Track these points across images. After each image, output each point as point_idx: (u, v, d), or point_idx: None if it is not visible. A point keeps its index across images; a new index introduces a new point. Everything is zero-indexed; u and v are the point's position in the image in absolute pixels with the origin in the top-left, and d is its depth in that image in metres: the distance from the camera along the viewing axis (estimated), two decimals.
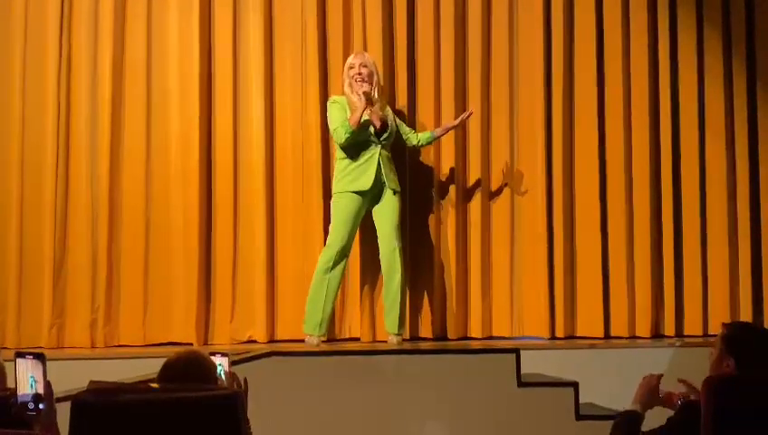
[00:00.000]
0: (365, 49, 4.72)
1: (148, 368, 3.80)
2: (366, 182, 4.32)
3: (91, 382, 1.88)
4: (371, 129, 4.35)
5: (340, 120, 4.32)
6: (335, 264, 4.34)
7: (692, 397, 2.48)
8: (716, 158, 4.82)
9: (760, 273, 4.76)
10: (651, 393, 2.51)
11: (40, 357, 1.72)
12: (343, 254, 4.36)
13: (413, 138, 4.57)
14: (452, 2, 4.81)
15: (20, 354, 1.75)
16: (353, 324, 4.72)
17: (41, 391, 1.68)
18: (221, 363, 2.29)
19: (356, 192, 4.35)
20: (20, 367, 1.70)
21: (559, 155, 4.77)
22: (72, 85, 4.63)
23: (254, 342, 4.63)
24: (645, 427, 2.50)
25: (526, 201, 4.80)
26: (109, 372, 3.68)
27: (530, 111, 4.81)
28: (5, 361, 1.93)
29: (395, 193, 4.40)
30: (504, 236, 4.77)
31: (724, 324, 2.39)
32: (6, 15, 4.64)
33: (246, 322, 4.68)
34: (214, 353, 2.31)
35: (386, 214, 4.39)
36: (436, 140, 4.63)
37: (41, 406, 1.66)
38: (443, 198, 4.80)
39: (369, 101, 4.23)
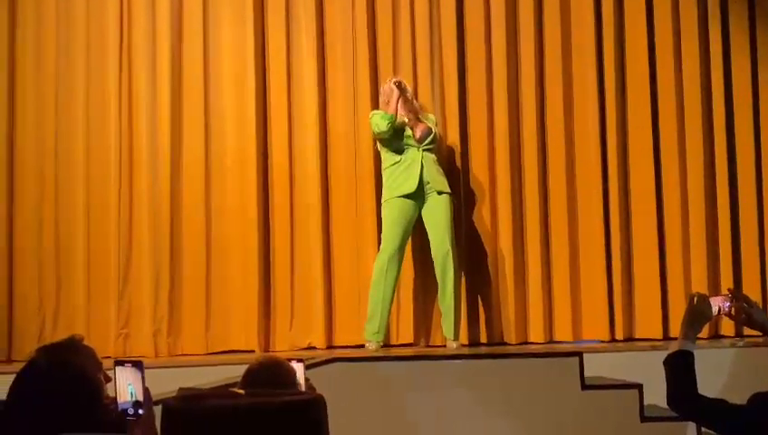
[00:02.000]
0: (413, 64, 4.78)
1: (211, 376, 3.89)
2: (411, 185, 4.41)
3: (181, 389, 1.94)
4: (408, 135, 4.44)
5: (379, 114, 4.50)
6: (389, 268, 4.40)
7: (741, 314, 2.45)
8: None
9: None
10: (697, 319, 2.44)
11: (138, 365, 1.78)
12: (397, 258, 4.42)
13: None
14: (503, 11, 4.82)
15: (119, 362, 1.81)
16: (408, 330, 4.76)
17: (140, 397, 1.74)
18: (297, 369, 2.33)
19: (402, 196, 4.43)
20: (119, 375, 1.77)
21: (614, 157, 4.76)
22: (132, 103, 4.76)
23: (314, 348, 4.69)
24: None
25: (583, 204, 4.79)
26: (172, 381, 3.75)
27: (584, 114, 4.81)
28: (107, 369, 2.00)
29: (441, 194, 4.44)
30: (561, 240, 4.77)
31: None
32: (70, 39, 4.78)
33: (305, 329, 4.75)
34: (290, 359, 2.36)
35: (435, 216, 4.44)
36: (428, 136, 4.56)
37: (140, 411, 1.73)
38: (499, 201, 4.81)
39: (400, 88, 4.36)
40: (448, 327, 4.44)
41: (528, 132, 4.80)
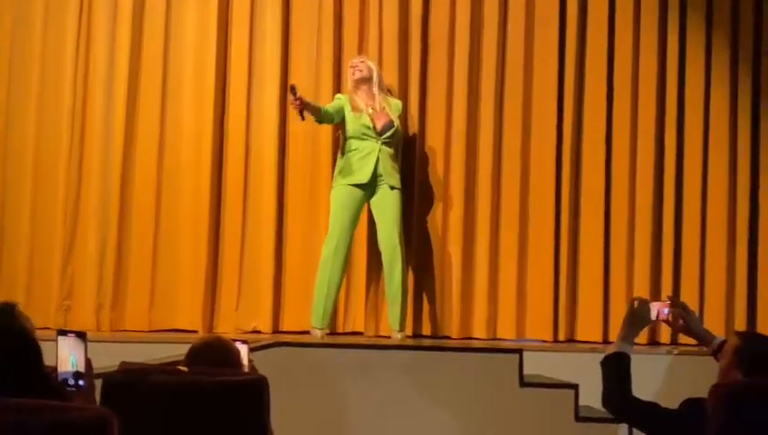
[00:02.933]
0: (380, 49, 4.79)
1: (153, 353, 3.87)
2: (365, 176, 4.42)
3: (122, 363, 1.93)
4: (368, 126, 4.44)
5: (329, 105, 4.50)
6: (335, 255, 4.41)
7: (678, 320, 2.54)
8: (719, 164, 4.87)
9: (755, 279, 4.83)
10: (637, 323, 2.53)
11: (81, 335, 1.77)
12: (343, 245, 4.43)
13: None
14: (468, 4, 4.86)
15: (62, 332, 1.80)
16: (357, 318, 4.78)
17: (81, 368, 1.73)
18: (241, 350, 2.34)
19: (353, 185, 4.43)
20: (61, 345, 1.75)
21: (567, 159, 4.83)
22: (88, 72, 4.69)
23: (259, 332, 4.68)
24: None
25: (535, 204, 4.85)
26: (113, 355, 3.72)
27: (541, 117, 4.86)
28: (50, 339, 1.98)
29: (393, 189, 4.47)
30: (511, 240, 4.82)
31: (735, 334, 2.42)
32: (26, 6, 4.68)
33: (252, 312, 4.73)
34: (235, 340, 2.37)
35: (384, 209, 4.47)
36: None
37: (81, 383, 1.72)
38: (451, 197, 4.85)
39: (293, 94, 4.29)
40: (394, 318, 4.47)
41: (485, 131, 4.84)
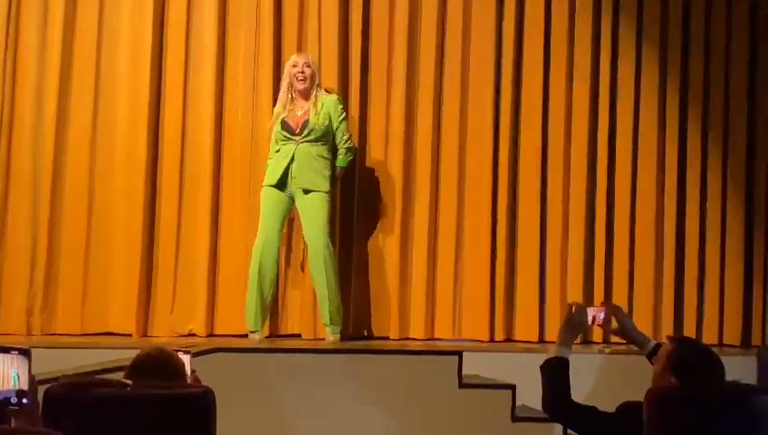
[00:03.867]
0: (319, 47, 4.76)
1: (87, 359, 3.77)
2: (274, 178, 4.40)
3: (63, 376, 1.88)
4: (281, 127, 4.41)
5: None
6: (264, 256, 4.38)
7: (610, 324, 2.63)
8: (647, 171, 5.02)
9: (682, 281, 4.99)
10: (574, 327, 2.59)
11: (25, 352, 1.71)
12: (271, 246, 4.40)
13: (338, 152, 4.56)
14: (406, 6, 4.88)
15: (3, 349, 1.74)
16: (295, 321, 4.75)
17: (25, 386, 1.67)
18: (184, 361, 2.31)
19: (270, 186, 4.42)
20: (3, 362, 1.69)
21: (505, 159, 4.90)
22: (18, 66, 4.55)
23: (194, 335, 4.62)
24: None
25: (471, 205, 4.91)
26: (46, 362, 3.62)
27: (479, 118, 4.93)
28: None
29: (308, 192, 4.42)
30: (448, 240, 4.88)
31: (669, 338, 2.49)
32: None
33: (187, 315, 4.66)
34: (177, 350, 2.33)
35: (305, 213, 4.45)
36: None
37: (24, 401, 1.66)
38: (389, 199, 4.87)
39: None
40: (324, 320, 4.46)
41: (423, 131, 4.88)
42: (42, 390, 1.83)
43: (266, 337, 4.46)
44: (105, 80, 4.64)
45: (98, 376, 3.09)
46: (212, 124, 4.70)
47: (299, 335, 4.70)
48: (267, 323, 4.55)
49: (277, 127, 4.45)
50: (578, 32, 4.98)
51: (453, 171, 4.89)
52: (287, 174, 4.40)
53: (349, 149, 4.55)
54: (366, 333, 4.77)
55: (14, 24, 4.55)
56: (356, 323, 4.75)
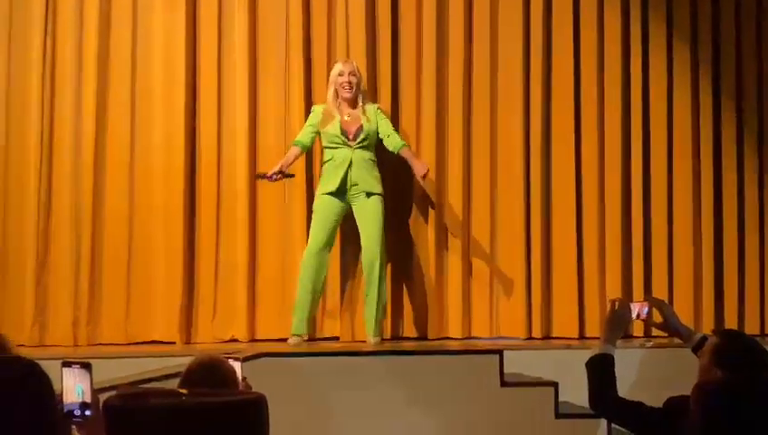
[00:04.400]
0: (347, 52, 4.80)
1: (132, 368, 3.85)
2: (333, 185, 4.45)
3: (119, 386, 1.93)
4: (341, 132, 4.47)
5: (309, 122, 4.55)
6: (313, 264, 4.44)
7: (654, 318, 2.62)
8: (683, 164, 4.99)
9: (721, 273, 4.95)
10: (618, 324, 2.59)
11: (86, 366, 1.77)
12: (322, 254, 4.46)
13: (387, 142, 4.62)
14: (434, 6, 4.90)
15: (66, 364, 1.79)
16: (333, 324, 4.80)
17: (88, 398, 1.72)
18: (235, 368, 2.35)
19: (329, 193, 4.46)
20: (66, 376, 1.75)
21: (537, 158, 4.90)
22: (56, 84, 4.65)
23: (236, 341, 4.68)
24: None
25: (505, 203, 4.92)
26: (94, 372, 3.70)
27: (510, 114, 4.93)
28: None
29: (370, 196, 4.48)
30: (483, 238, 4.89)
31: (714, 332, 2.48)
32: None
33: (228, 321, 4.73)
34: (228, 357, 2.37)
35: (364, 217, 4.50)
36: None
37: (87, 413, 1.71)
38: (423, 200, 4.90)
39: (264, 178, 4.46)
40: (369, 324, 4.50)
41: (454, 134, 4.90)
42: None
43: (305, 341, 4.50)
44: (141, 95, 4.73)
45: (147, 385, 3.15)
46: (246, 134, 4.76)
47: (336, 338, 4.74)
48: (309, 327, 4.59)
49: (334, 131, 4.47)
50: (607, 21, 4.96)
51: (485, 167, 4.90)
52: (346, 181, 4.45)
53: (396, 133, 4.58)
54: (403, 334, 4.80)
55: (50, 40, 4.64)
56: (393, 323, 4.77)
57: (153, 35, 4.75)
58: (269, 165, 4.79)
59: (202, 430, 1.89)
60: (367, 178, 4.50)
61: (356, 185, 4.48)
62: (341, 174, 4.45)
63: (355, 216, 4.55)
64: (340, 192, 4.47)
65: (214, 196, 4.75)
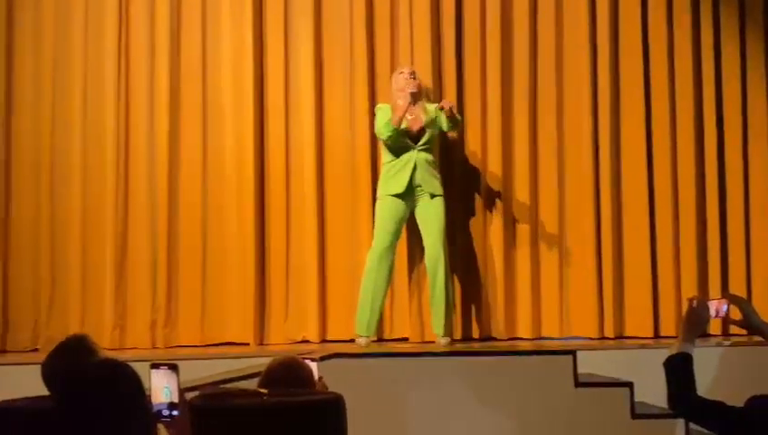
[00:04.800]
0: (411, 60, 4.82)
1: (209, 370, 3.94)
2: (400, 186, 4.46)
3: (202, 387, 1.98)
4: (404, 133, 4.48)
5: (384, 120, 4.48)
6: (378, 265, 4.47)
7: (732, 315, 2.55)
8: (759, 158, 4.87)
9: None
10: (697, 323, 2.53)
11: (174, 367, 1.82)
12: (387, 255, 4.48)
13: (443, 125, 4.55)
14: (498, 8, 4.88)
15: (154, 365, 1.85)
16: (402, 325, 4.82)
17: (175, 399, 1.78)
18: (312, 368, 2.38)
19: (393, 195, 4.48)
20: (155, 378, 1.81)
21: (606, 156, 4.84)
22: (130, 96, 4.80)
23: (308, 342, 4.74)
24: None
25: (574, 202, 4.87)
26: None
27: (577, 112, 4.88)
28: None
29: (433, 197, 4.49)
30: (551, 237, 4.85)
31: None
32: (67, 30, 4.79)
33: (299, 322, 4.80)
34: (304, 358, 2.41)
35: (427, 218, 4.51)
36: (451, 120, 4.50)
37: (174, 413, 1.77)
38: (491, 199, 4.88)
39: (413, 102, 4.38)
40: (438, 324, 4.51)
41: (520, 134, 4.87)
42: None
43: (372, 341, 4.53)
44: (211, 103, 4.84)
45: (226, 385, 3.22)
46: (313, 139, 4.83)
47: (405, 339, 4.76)
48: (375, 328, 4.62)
49: (398, 128, 4.47)
50: (676, 14, 4.86)
51: (552, 164, 4.87)
52: (412, 182, 4.46)
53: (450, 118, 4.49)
54: (472, 335, 4.79)
55: (124, 54, 4.79)
56: (462, 324, 4.77)
57: (222, 44, 4.85)
58: (335, 169, 4.87)
59: (283, 429, 1.93)
60: (430, 179, 4.51)
61: (419, 186, 4.50)
62: (406, 176, 4.47)
63: (417, 217, 4.55)
64: (405, 194, 4.49)
65: (283, 201, 4.84)
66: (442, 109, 4.46)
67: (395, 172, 4.51)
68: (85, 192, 4.74)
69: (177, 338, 4.71)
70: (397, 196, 4.49)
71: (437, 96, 4.84)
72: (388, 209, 4.51)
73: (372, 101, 4.81)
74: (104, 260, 4.70)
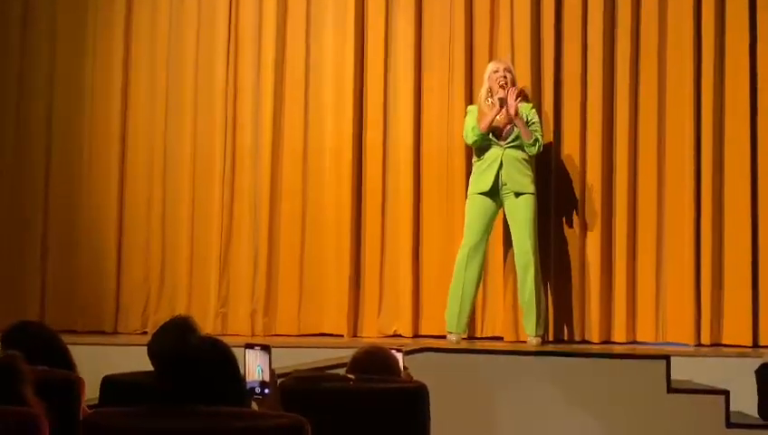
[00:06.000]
0: (512, 57, 4.83)
1: (303, 358, 4.09)
2: (486, 185, 4.48)
3: (295, 371, 2.10)
4: (491, 131, 4.48)
5: (472, 124, 4.53)
6: (468, 263, 4.50)
7: None
8: None
9: None
10: None
11: (266, 348, 1.95)
12: (476, 252, 4.50)
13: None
14: (600, 7, 4.84)
15: (249, 346, 1.99)
16: (496, 323, 4.85)
17: (266, 378, 1.91)
18: (398, 358, 2.48)
19: (480, 193, 4.51)
20: (249, 357, 1.94)
21: (708, 160, 4.73)
22: (237, 99, 5.02)
23: (400, 336, 4.84)
24: None
25: (673, 206, 4.78)
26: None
27: (679, 114, 4.78)
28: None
29: (519, 195, 4.47)
30: (649, 241, 4.77)
31: None
32: (180, 34, 5.06)
33: (392, 316, 4.91)
34: (391, 348, 2.51)
35: (515, 216, 4.51)
36: (528, 140, 4.49)
37: (266, 391, 1.90)
38: (588, 201, 4.85)
39: (502, 108, 4.40)
40: (529, 324, 4.50)
41: (620, 134, 4.81)
42: None
43: (464, 339, 4.58)
44: (313, 102, 5.00)
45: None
46: (411, 137, 4.92)
47: (500, 338, 4.78)
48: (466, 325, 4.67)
49: (484, 134, 4.50)
50: None
51: (653, 167, 4.78)
52: (498, 180, 4.49)
53: (536, 140, 4.52)
54: (564, 336, 4.77)
55: (232, 66, 5.03)
56: (555, 325, 4.76)
57: (324, 47, 5.00)
58: (431, 167, 4.94)
59: (367, 412, 2.04)
60: (517, 177, 4.49)
61: (506, 185, 4.49)
62: (492, 174, 4.47)
63: (507, 216, 4.57)
64: (492, 192, 4.49)
65: (379, 197, 4.95)
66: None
67: (482, 171, 4.53)
68: (194, 188, 4.99)
69: (274, 327, 4.91)
70: (484, 194, 4.51)
71: (536, 97, 4.84)
72: (475, 207, 4.55)
73: (469, 101, 4.85)
74: (210, 252, 4.95)
